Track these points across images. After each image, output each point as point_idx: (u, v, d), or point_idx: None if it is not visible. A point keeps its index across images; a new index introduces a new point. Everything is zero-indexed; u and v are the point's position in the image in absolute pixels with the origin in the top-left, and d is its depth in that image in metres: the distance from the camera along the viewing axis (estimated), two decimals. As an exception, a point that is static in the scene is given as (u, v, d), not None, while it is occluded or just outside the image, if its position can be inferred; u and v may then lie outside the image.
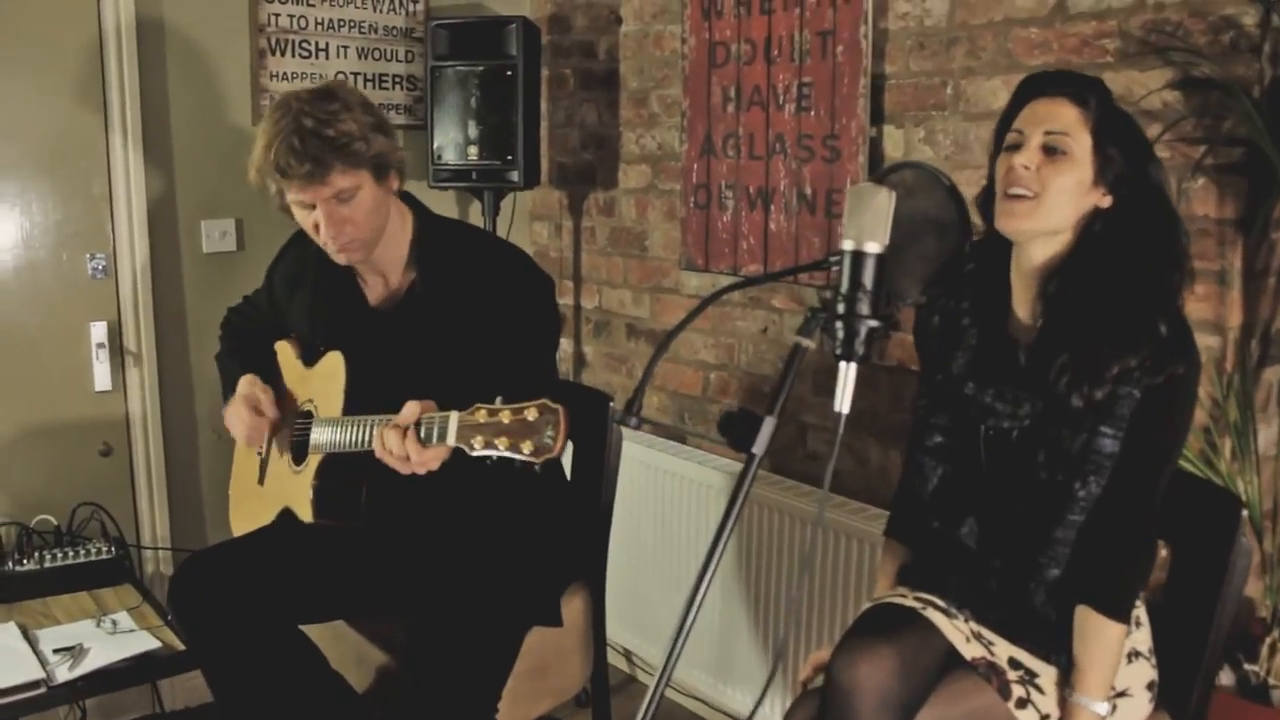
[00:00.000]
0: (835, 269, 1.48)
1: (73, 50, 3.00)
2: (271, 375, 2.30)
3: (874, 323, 1.38)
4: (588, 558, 2.33)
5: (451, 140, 3.26)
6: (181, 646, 2.51)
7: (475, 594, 2.01)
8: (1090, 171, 1.71)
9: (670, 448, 3.17)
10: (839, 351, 1.39)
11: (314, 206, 1.99)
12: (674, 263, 3.33)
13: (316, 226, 2.02)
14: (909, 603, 1.80)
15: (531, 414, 1.64)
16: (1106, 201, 1.73)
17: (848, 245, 1.40)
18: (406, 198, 2.17)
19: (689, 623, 1.34)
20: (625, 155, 3.48)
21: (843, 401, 1.39)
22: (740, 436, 1.37)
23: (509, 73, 3.21)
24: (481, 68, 3.23)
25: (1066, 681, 1.72)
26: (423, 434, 1.79)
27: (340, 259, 2.08)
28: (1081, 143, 1.70)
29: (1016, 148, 1.74)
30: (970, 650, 1.74)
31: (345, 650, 2.20)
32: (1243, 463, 2.14)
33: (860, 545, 2.58)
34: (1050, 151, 1.71)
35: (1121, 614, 1.69)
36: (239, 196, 3.25)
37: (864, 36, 2.68)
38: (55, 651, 2.42)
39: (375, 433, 1.85)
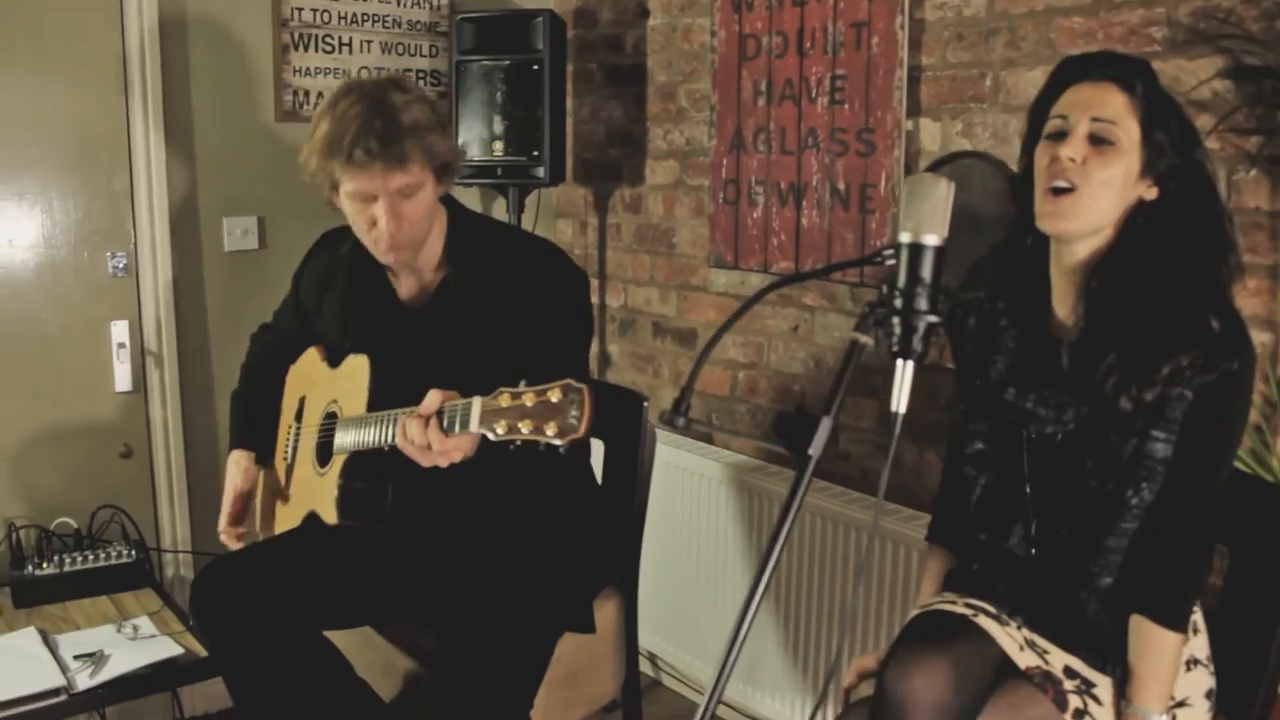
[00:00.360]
0: (890, 263, 1.41)
1: (96, 46, 2.95)
2: (272, 413, 2.35)
3: (933, 318, 1.32)
4: (620, 561, 2.27)
5: (476, 136, 3.20)
6: (204, 653, 2.47)
7: (506, 599, 1.95)
8: (1138, 162, 1.62)
9: (695, 447, 3.11)
10: (896, 349, 1.32)
11: (375, 199, 1.93)
12: (702, 260, 3.26)
13: (372, 223, 1.95)
14: (960, 609, 1.72)
15: (555, 395, 1.58)
16: (1152, 193, 1.64)
17: (905, 237, 1.33)
18: (444, 199, 2.11)
19: (743, 634, 1.27)
20: (652, 151, 3.42)
21: (900, 401, 1.32)
22: (796, 438, 1.30)
23: (535, 67, 3.15)
24: (507, 62, 3.17)
25: (1122, 692, 1.65)
26: (445, 422, 1.74)
27: (389, 258, 2.02)
28: (1129, 132, 1.62)
29: (1060, 136, 1.65)
30: (1025, 659, 1.67)
31: (371, 657, 2.14)
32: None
33: (895, 548, 2.52)
34: (1097, 141, 1.62)
35: (1179, 623, 1.61)
36: (262, 194, 3.21)
37: (900, 27, 2.61)
38: (76, 658, 2.38)
39: (399, 424, 1.80)
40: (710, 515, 3.01)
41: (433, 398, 1.75)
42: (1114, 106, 1.62)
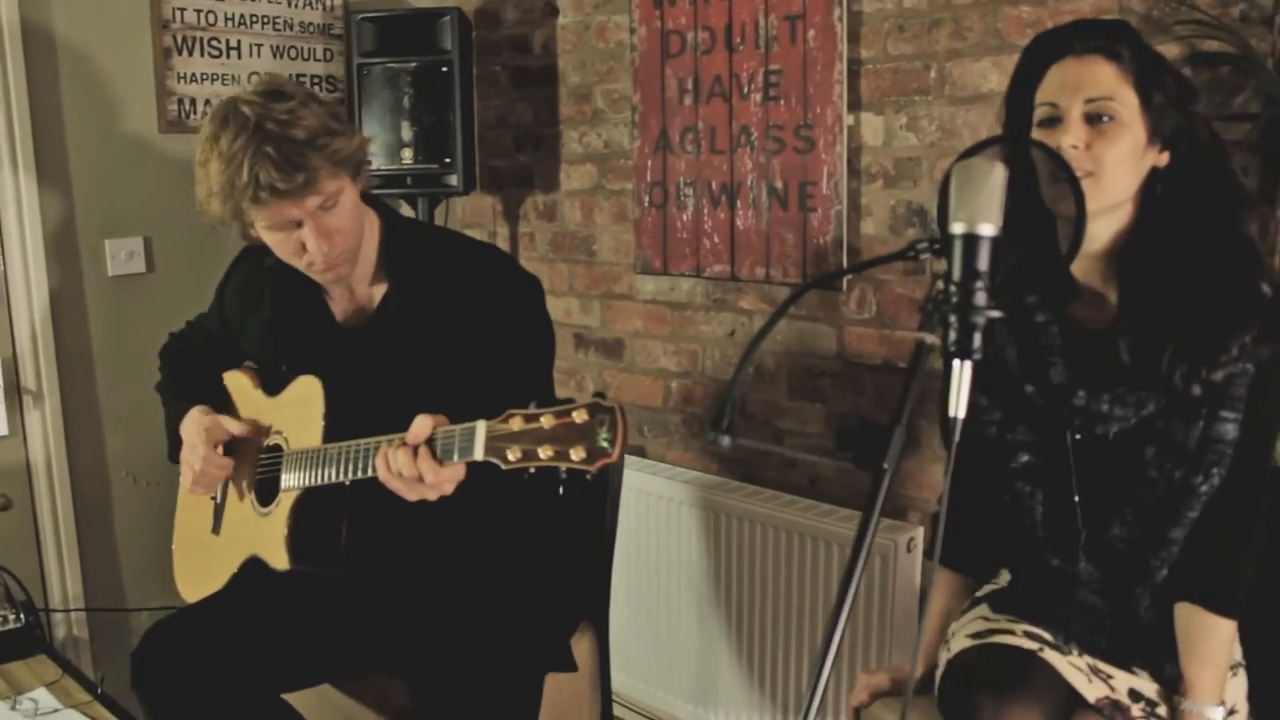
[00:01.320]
0: (925, 257, 1.31)
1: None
2: (221, 405, 2.03)
3: (994, 313, 1.21)
4: (593, 593, 2.11)
5: (382, 143, 3.00)
6: (121, 725, 2.22)
7: (485, 642, 1.79)
8: (1143, 131, 1.53)
9: (633, 463, 2.98)
10: (953, 349, 1.21)
11: (299, 224, 1.73)
12: (627, 266, 3.13)
13: (301, 247, 1.75)
14: (1022, 641, 1.62)
15: (580, 416, 1.43)
16: (1164, 159, 1.56)
17: (958, 229, 1.23)
18: (368, 199, 1.91)
19: (824, 678, 1.14)
20: (567, 155, 3.27)
21: (958, 405, 1.22)
22: (865, 451, 1.19)
23: (444, 69, 2.98)
24: (414, 64, 2.98)
25: (1175, 689, 1.57)
26: (440, 450, 1.56)
27: (327, 278, 1.82)
28: (1127, 102, 1.52)
29: (1054, 122, 1.55)
30: (1093, 691, 1.57)
31: (333, 717, 1.93)
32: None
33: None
34: (1095, 120, 1.53)
35: (1233, 609, 1.54)
36: (147, 212, 2.95)
37: (838, 20, 2.54)
38: (-30, 743, 2.10)
39: (378, 455, 1.61)
40: (654, 534, 2.88)
41: (422, 424, 1.57)
42: (1105, 81, 1.53)
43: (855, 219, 2.60)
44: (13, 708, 2.25)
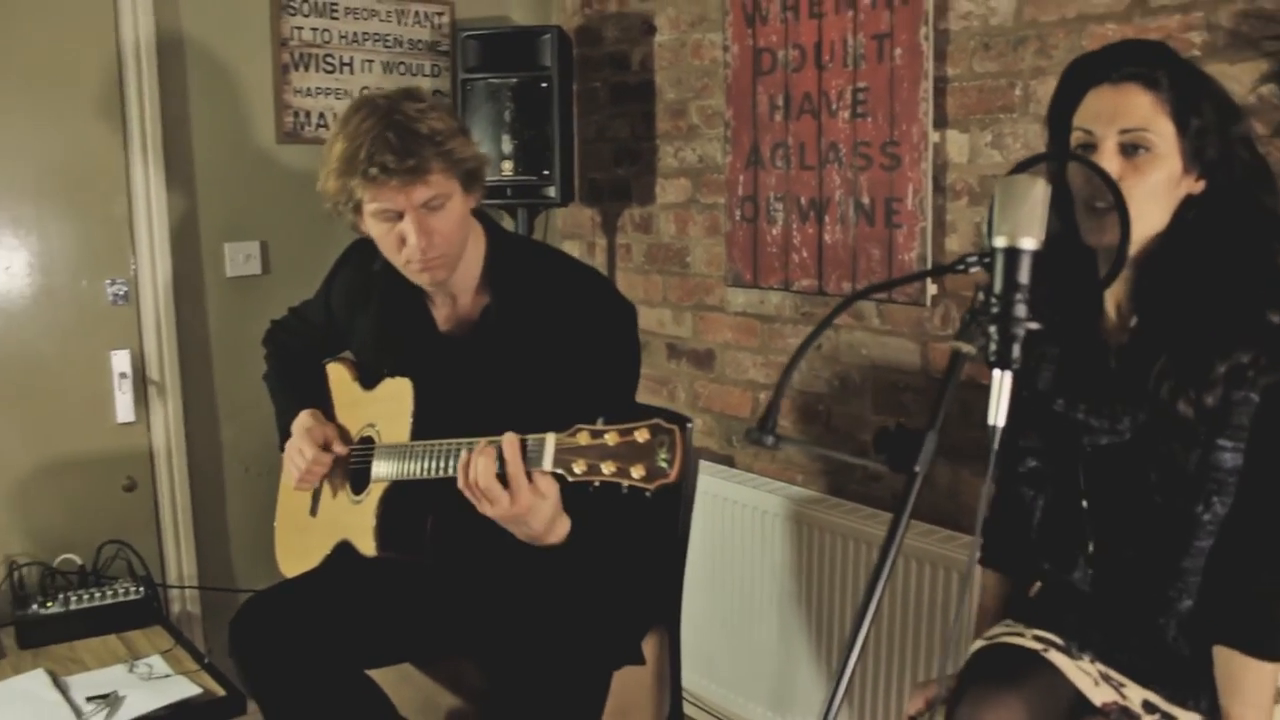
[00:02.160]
0: (973, 271, 1.36)
1: (91, 68, 2.87)
2: (323, 399, 2.16)
3: (1033, 325, 1.26)
4: (666, 591, 2.19)
5: (484, 156, 3.14)
6: (222, 692, 2.38)
7: (560, 633, 1.87)
8: (1179, 161, 1.52)
9: (720, 471, 3.05)
10: (993, 359, 1.26)
11: (401, 216, 1.85)
12: (718, 279, 3.21)
13: (401, 241, 1.87)
14: (1028, 643, 1.64)
15: (642, 435, 1.50)
16: (1199, 187, 1.54)
17: (1000, 242, 1.28)
18: (477, 213, 2.02)
19: (847, 673, 1.20)
20: (663, 169, 3.37)
21: (998, 414, 1.26)
22: (899, 454, 1.24)
23: (544, 84, 3.10)
24: (515, 80, 3.12)
25: None
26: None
27: (423, 279, 1.93)
28: (1163, 132, 1.50)
29: (1089, 149, 1.54)
30: (1100, 695, 1.58)
31: (413, 695, 2.05)
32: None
33: (932, 570, 2.46)
34: (1130, 151, 1.51)
35: (1272, 651, 1.50)
36: (264, 218, 3.13)
37: (924, 38, 2.58)
38: (89, 700, 2.29)
39: (460, 459, 1.71)
40: (739, 542, 2.94)
41: (510, 439, 1.64)
42: (1141, 111, 1.51)
43: (940, 235, 2.63)
44: (130, 670, 2.45)
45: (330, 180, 1.85)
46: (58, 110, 2.83)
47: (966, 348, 1.27)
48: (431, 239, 1.85)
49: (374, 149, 1.77)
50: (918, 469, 1.24)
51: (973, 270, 1.37)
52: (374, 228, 1.90)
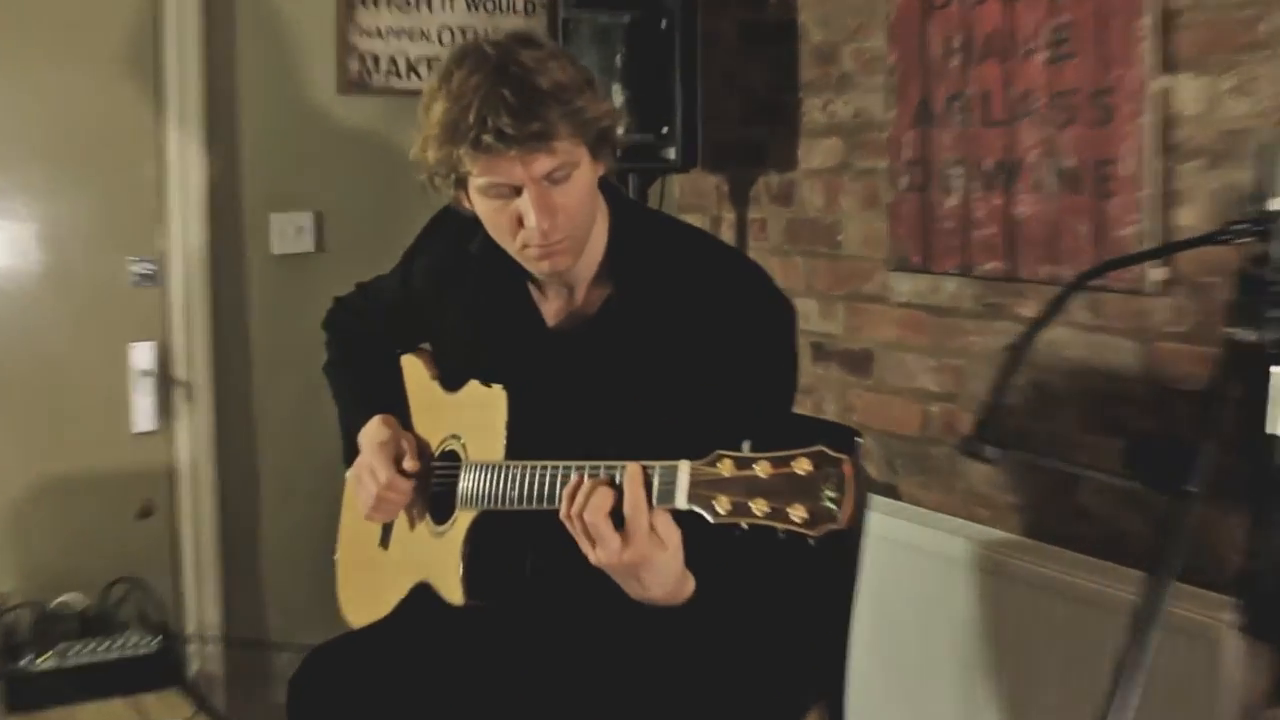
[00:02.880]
0: (1241, 241, 1.35)
1: (117, 10, 2.97)
2: (398, 400, 2.21)
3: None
4: (828, 664, 2.16)
5: (588, 110, 3.20)
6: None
7: (691, 716, 1.84)
8: None
9: (883, 505, 3.03)
10: (1276, 349, 1.26)
11: (518, 191, 1.87)
12: (879, 262, 3.22)
13: (517, 222, 1.86)
14: None
15: (802, 466, 1.47)
16: None
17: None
18: (604, 185, 1.99)
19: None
20: (808, 127, 3.39)
21: (1278, 421, 1.25)
22: (1159, 472, 1.23)
23: (663, 25, 3.15)
24: (628, 18, 3.17)
25: None
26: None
27: (542, 267, 1.92)
28: None
29: None
30: None
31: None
32: None
33: (1171, 639, 2.41)
34: None
35: None
36: (319, 184, 3.21)
37: (1148, -42, 2.58)
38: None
39: (569, 484, 1.70)
40: (927, 598, 2.91)
41: (634, 472, 1.63)
42: None
43: (1167, 207, 2.61)
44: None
45: (430, 149, 1.85)
46: (77, 54, 2.94)
47: (1246, 334, 1.26)
48: (555, 218, 1.83)
49: (486, 110, 1.75)
50: (1191, 488, 1.23)
51: (1240, 241, 1.36)
52: (482, 205, 1.89)
